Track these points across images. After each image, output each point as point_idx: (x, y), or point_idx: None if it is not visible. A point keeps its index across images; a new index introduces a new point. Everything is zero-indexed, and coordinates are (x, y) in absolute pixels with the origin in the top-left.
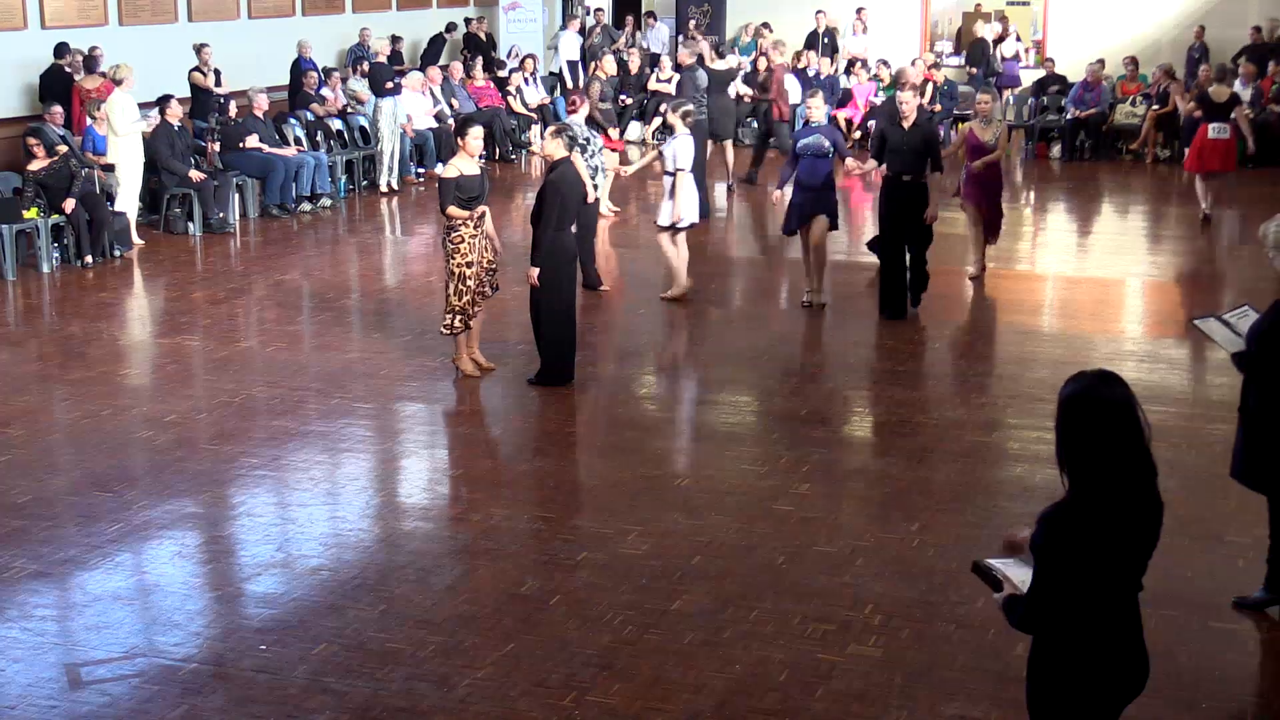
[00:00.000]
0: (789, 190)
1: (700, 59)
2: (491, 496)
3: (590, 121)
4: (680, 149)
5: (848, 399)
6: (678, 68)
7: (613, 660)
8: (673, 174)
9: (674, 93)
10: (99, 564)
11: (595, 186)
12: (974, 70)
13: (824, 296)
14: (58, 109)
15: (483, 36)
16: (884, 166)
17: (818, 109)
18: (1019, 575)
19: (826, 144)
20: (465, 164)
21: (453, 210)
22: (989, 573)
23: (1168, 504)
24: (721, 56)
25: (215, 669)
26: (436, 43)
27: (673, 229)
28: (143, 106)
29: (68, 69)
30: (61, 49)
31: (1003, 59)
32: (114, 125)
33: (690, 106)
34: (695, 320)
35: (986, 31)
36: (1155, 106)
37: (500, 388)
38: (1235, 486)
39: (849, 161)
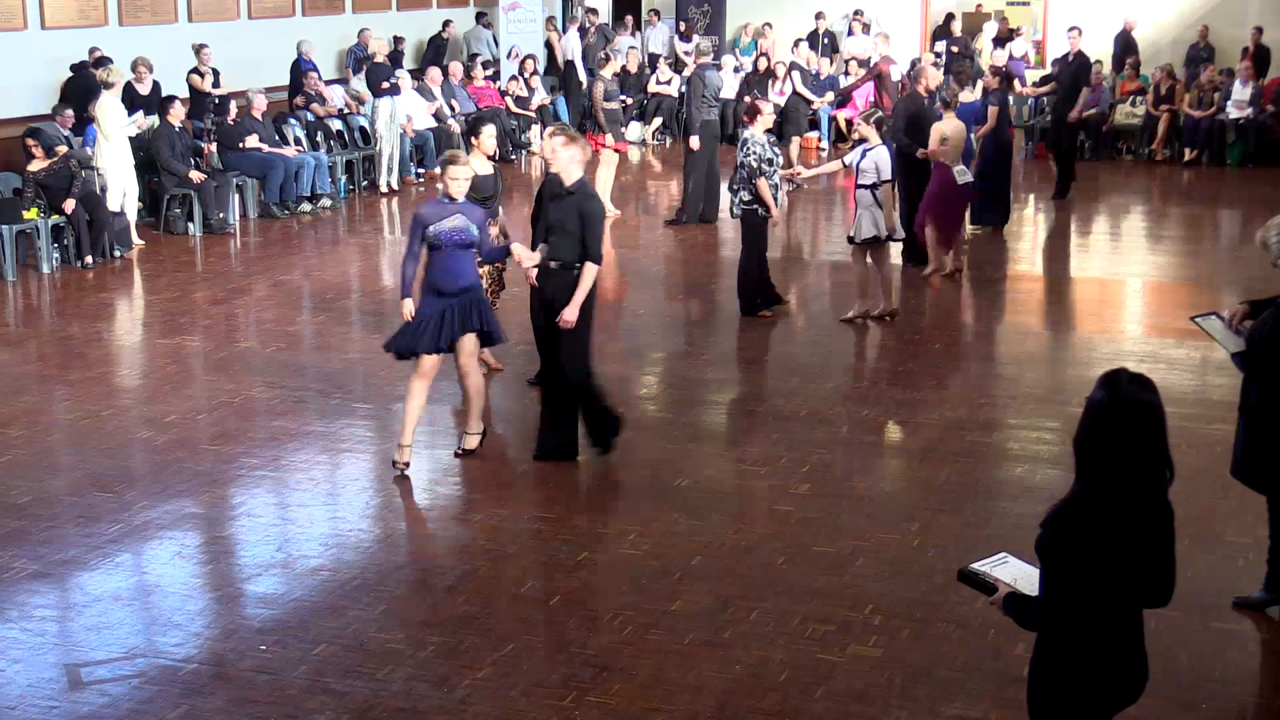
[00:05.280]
0: (427, 299)
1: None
2: (492, 497)
3: (593, 122)
4: (880, 160)
5: (848, 399)
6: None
7: (613, 660)
8: (869, 187)
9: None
10: (99, 564)
11: (778, 204)
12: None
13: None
14: (69, 112)
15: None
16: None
17: (457, 181)
18: (1009, 574)
19: (473, 229)
20: (479, 164)
21: None
22: (978, 578)
23: None
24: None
25: (215, 669)
26: (436, 43)
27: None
28: (144, 108)
29: (92, 69)
30: (91, 53)
31: (1010, 58)
32: (103, 128)
33: (880, 114)
34: (695, 321)
35: (989, 31)
36: (1164, 107)
37: (500, 388)
38: (1235, 486)
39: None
